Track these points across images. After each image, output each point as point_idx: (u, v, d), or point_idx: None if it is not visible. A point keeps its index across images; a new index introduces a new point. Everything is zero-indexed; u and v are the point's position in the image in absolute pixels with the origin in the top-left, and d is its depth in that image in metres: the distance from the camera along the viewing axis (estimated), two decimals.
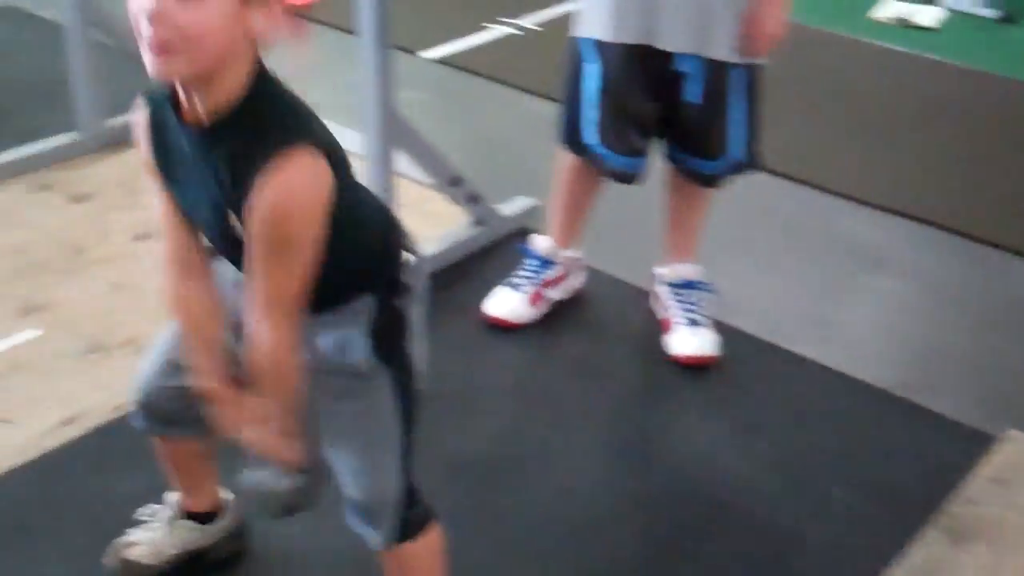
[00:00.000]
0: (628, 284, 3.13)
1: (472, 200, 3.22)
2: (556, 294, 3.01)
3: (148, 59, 1.46)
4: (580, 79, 2.70)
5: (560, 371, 2.85)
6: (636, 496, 2.44)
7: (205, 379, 1.69)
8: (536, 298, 2.96)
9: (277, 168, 1.47)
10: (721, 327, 2.91)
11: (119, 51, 3.95)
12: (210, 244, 1.70)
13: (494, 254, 3.28)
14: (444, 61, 4.68)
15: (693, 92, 2.61)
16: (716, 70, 2.59)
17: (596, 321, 3.01)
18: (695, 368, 2.81)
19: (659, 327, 2.91)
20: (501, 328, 2.94)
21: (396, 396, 1.76)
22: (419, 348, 1.82)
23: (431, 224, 3.32)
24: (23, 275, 3.09)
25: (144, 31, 1.44)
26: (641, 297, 3.05)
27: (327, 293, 1.64)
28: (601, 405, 2.72)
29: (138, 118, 1.65)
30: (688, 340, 2.82)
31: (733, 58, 2.59)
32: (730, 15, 2.54)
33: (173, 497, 2.12)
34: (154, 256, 1.74)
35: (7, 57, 4.52)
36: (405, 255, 1.79)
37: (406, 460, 1.80)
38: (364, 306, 1.71)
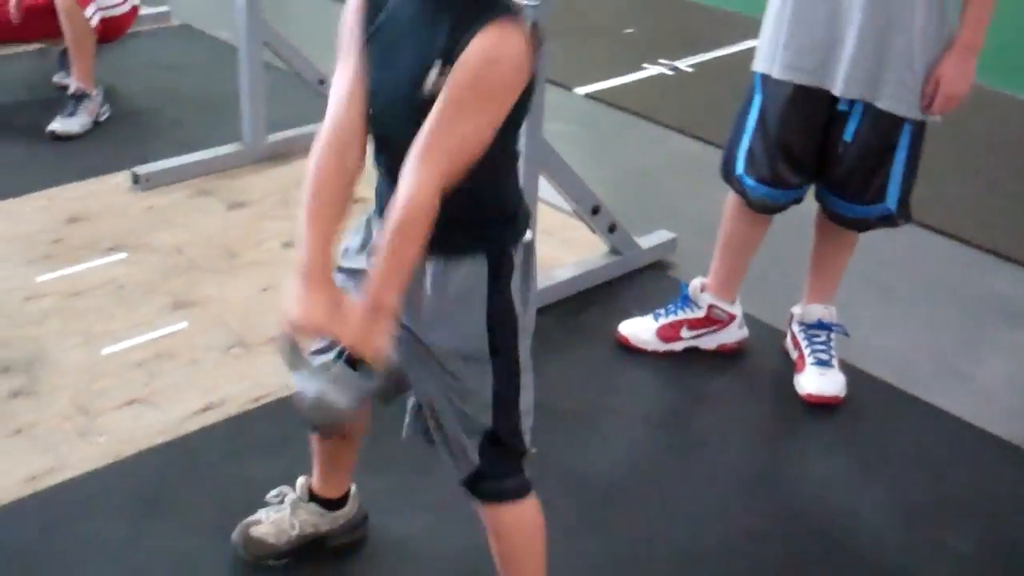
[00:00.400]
0: (767, 325, 3.13)
1: (611, 230, 3.28)
2: (700, 341, 3.00)
3: None
4: (747, 112, 2.73)
5: (686, 400, 2.88)
6: (748, 527, 2.45)
7: (308, 259, 1.66)
8: (668, 332, 2.99)
9: (494, 28, 1.57)
10: (853, 370, 2.91)
11: (285, 72, 4.16)
12: (378, 122, 1.73)
13: (630, 283, 3.33)
14: (596, 97, 4.76)
15: (855, 136, 2.61)
16: (884, 119, 2.59)
17: (730, 357, 3.02)
18: (821, 407, 2.80)
19: (792, 367, 2.92)
20: (629, 351, 2.99)
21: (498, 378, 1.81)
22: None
23: (569, 250, 3.39)
24: (179, 272, 3.25)
25: None
26: (778, 337, 3.06)
27: (456, 220, 1.67)
28: (723, 436, 2.73)
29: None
30: (815, 379, 2.82)
31: (904, 111, 2.58)
32: (906, 67, 2.53)
33: (301, 481, 2.22)
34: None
35: (183, 72, 4.77)
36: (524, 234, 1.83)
37: (500, 400, 1.83)
38: (474, 267, 1.75)
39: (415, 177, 1.60)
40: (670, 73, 5.06)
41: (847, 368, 2.89)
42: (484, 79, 1.59)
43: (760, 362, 3.02)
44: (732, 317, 3.00)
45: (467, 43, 1.58)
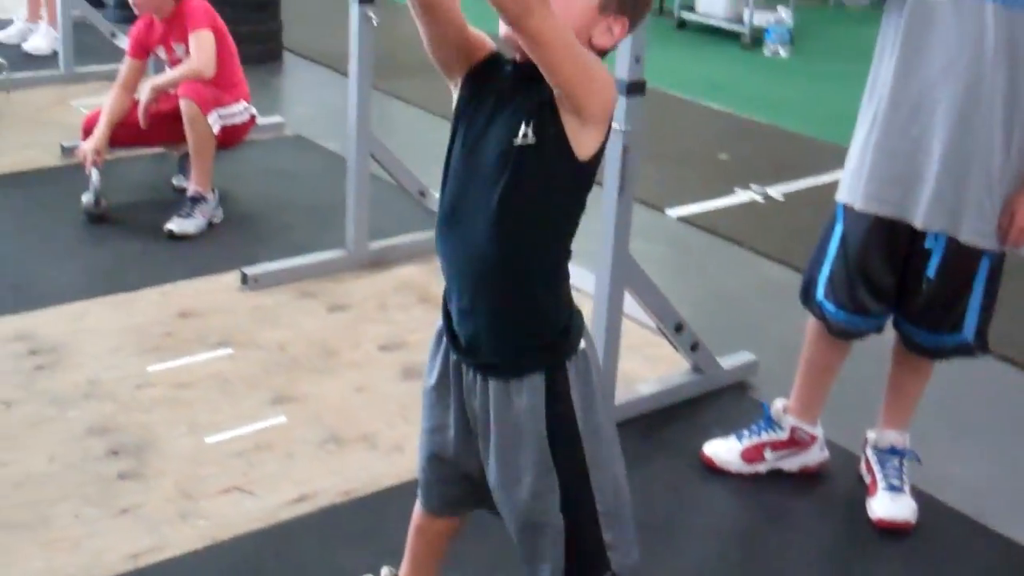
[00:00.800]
0: (843, 448, 3.18)
1: (693, 348, 3.39)
2: (783, 463, 3.07)
3: (505, 26, 1.71)
4: (829, 239, 2.84)
5: (760, 519, 2.94)
6: None
7: None
8: (752, 454, 3.06)
9: None
10: (925, 497, 2.96)
11: (388, 183, 4.37)
12: (459, 186, 1.88)
13: (711, 402, 3.42)
14: (687, 220, 4.90)
15: (937, 269, 2.70)
16: (964, 252, 2.67)
17: (805, 479, 3.09)
18: (892, 532, 2.86)
19: (865, 490, 2.99)
20: (711, 470, 3.07)
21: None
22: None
23: (651, 366, 3.51)
24: (280, 369, 3.43)
25: None
26: (854, 461, 3.11)
27: (515, 340, 1.87)
28: (793, 555, 2.79)
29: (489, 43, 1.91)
30: (886, 504, 2.88)
31: (985, 244, 2.67)
32: (985, 201, 2.63)
33: (385, 572, 2.34)
34: None
35: (294, 180, 5.02)
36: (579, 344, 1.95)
37: (569, 492, 1.92)
38: (532, 387, 1.89)
39: None
40: (761, 200, 5.19)
41: (919, 495, 2.94)
42: (587, 53, 1.75)
43: (835, 484, 3.08)
44: (814, 439, 3.07)
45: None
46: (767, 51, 8.03)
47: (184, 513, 2.74)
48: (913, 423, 3.02)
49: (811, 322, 2.98)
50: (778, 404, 3.09)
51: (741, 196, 5.22)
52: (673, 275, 4.23)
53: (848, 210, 2.78)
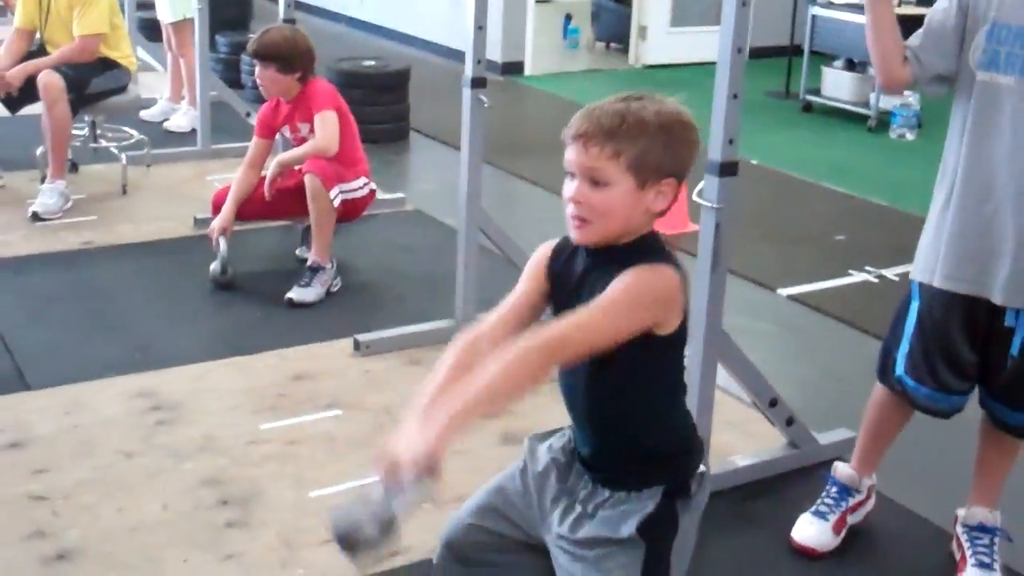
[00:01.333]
0: (933, 524, 3.18)
1: (788, 423, 3.42)
2: (853, 519, 3.13)
3: (572, 230, 1.95)
4: (905, 316, 2.88)
5: None
6: None
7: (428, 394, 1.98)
8: (840, 525, 3.09)
9: (649, 265, 1.90)
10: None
11: (498, 255, 4.50)
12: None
13: (805, 477, 3.43)
14: (798, 299, 4.92)
15: (1021, 347, 2.72)
16: None
17: (892, 555, 3.09)
18: None
19: (954, 568, 2.97)
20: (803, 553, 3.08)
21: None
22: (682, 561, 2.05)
23: (748, 441, 3.55)
24: (385, 430, 3.53)
25: (569, 211, 1.94)
26: (944, 538, 3.11)
27: (633, 462, 2.00)
28: None
29: (541, 254, 2.09)
30: None
31: None
32: None
33: None
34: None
35: (409, 252, 5.20)
36: (699, 467, 2.07)
37: None
38: (651, 496, 1.99)
39: (533, 337, 1.86)
40: (875, 280, 5.18)
41: (1010, 573, 2.92)
42: (636, 287, 1.88)
43: (926, 562, 3.08)
44: (873, 487, 3.17)
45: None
46: (893, 134, 8.00)
47: (284, 561, 2.87)
48: (1005, 500, 3.01)
49: (878, 391, 3.01)
50: (846, 470, 3.13)
51: (855, 277, 5.21)
52: (781, 353, 4.26)
53: (924, 288, 2.82)
